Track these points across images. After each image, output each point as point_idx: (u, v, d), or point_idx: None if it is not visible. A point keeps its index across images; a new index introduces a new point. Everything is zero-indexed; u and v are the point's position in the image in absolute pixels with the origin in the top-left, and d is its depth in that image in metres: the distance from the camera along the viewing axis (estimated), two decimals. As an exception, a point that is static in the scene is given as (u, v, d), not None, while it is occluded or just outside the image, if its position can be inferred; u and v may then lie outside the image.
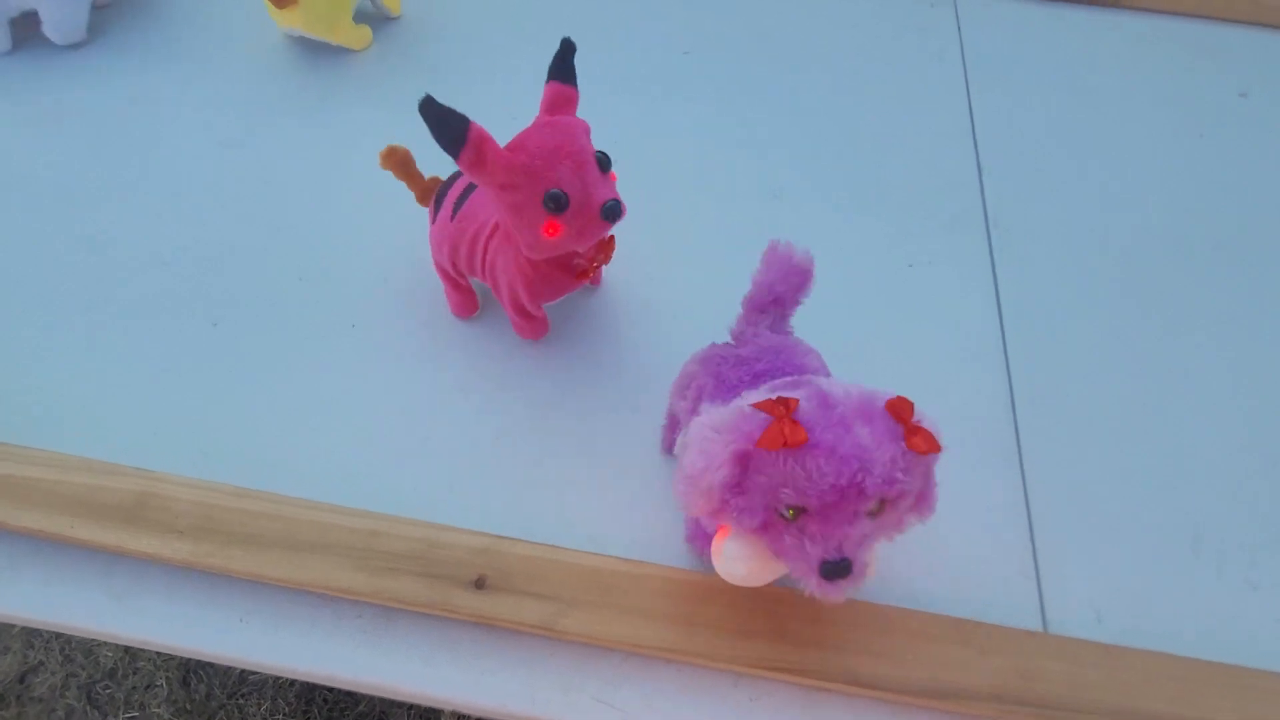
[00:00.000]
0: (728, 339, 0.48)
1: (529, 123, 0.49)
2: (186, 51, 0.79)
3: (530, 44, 0.80)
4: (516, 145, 0.46)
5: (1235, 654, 0.46)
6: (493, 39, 0.82)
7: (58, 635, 1.17)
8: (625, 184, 0.68)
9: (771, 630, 0.45)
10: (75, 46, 0.78)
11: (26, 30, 0.78)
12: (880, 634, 0.45)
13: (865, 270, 0.65)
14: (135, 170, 0.70)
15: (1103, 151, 0.74)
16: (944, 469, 0.52)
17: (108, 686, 1.15)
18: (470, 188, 0.54)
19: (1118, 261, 0.66)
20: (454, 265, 0.55)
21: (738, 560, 0.39)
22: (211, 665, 1.14)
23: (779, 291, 0.45)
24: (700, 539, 0.47)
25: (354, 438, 0.55)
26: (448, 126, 0.44)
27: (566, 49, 0.49)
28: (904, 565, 0.50)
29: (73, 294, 0.62)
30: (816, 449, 0.34)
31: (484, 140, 0.44)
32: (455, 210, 0.54)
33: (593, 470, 0.53)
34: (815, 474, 0.33)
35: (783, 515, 0.35)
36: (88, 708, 1.13)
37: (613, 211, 0.46)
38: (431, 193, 0.58)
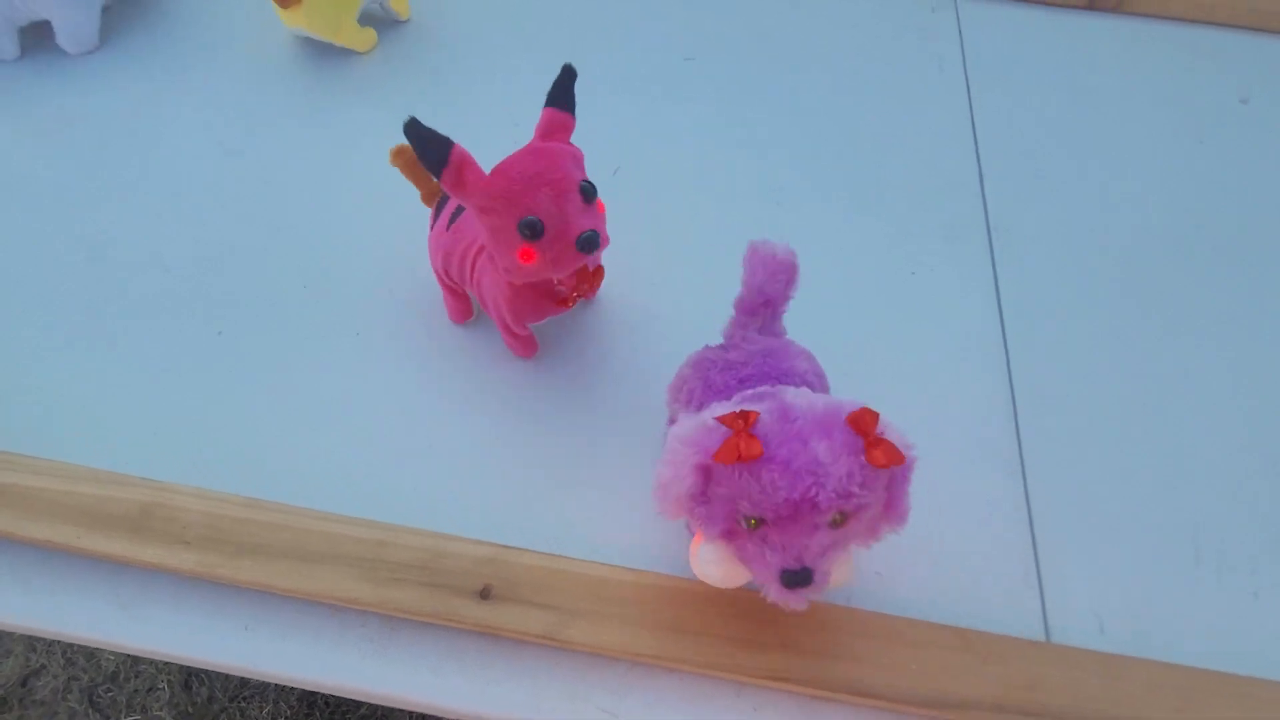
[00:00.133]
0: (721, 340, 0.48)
1: (531, 130, 0.49)
2: (190, 57, 0.79)
3: (536, 51, 0.81)
4: (499, 170, 0.46)
5: (1238, 663, 0.46)
6: (500, 44, 0.82)
7: (60, 639, 1.17)
8: (626, 189, 0.69)
9: (775, 640, 0.45)
10: (87, 54, 0.78)
11: (34, 38, 0.78)
12: (883, 643, 0.46)
13: (866, 276, 0.65)
14: (139, 176, 0.70)
15: (1103, 156, 0.74)
16: (946, 476, 0.53)
17: (109, 690, 1.16)
18: None
19: (1119, 267, 0.66)
20: (447, 273, 0.56)
21: (711, 563, 0.41)
22: (214, 669, 1.14)
23: (769, 292, 0.45)
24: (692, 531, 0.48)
25: (358, 445, 0.55)
26: (431, 148, 0.44)
27: (567, 75, 0.49)
28: (907, 574, 0.50)
29: (78, 302, 0.62)
30: (771, 463, 0.34)
31: (465, 162, 0.45)
32: (451, 221, 0.54)
33: (597, 477, 0.54)
34: (769, 487, 0.34)
35: (743, 524, 0.36)
36: (89, 711, 1.14)
37: (589, 243, 0.46)
38: (437, 195, 0.58)
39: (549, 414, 0.56)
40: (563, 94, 0.49)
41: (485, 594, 0.46)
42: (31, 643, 1.17)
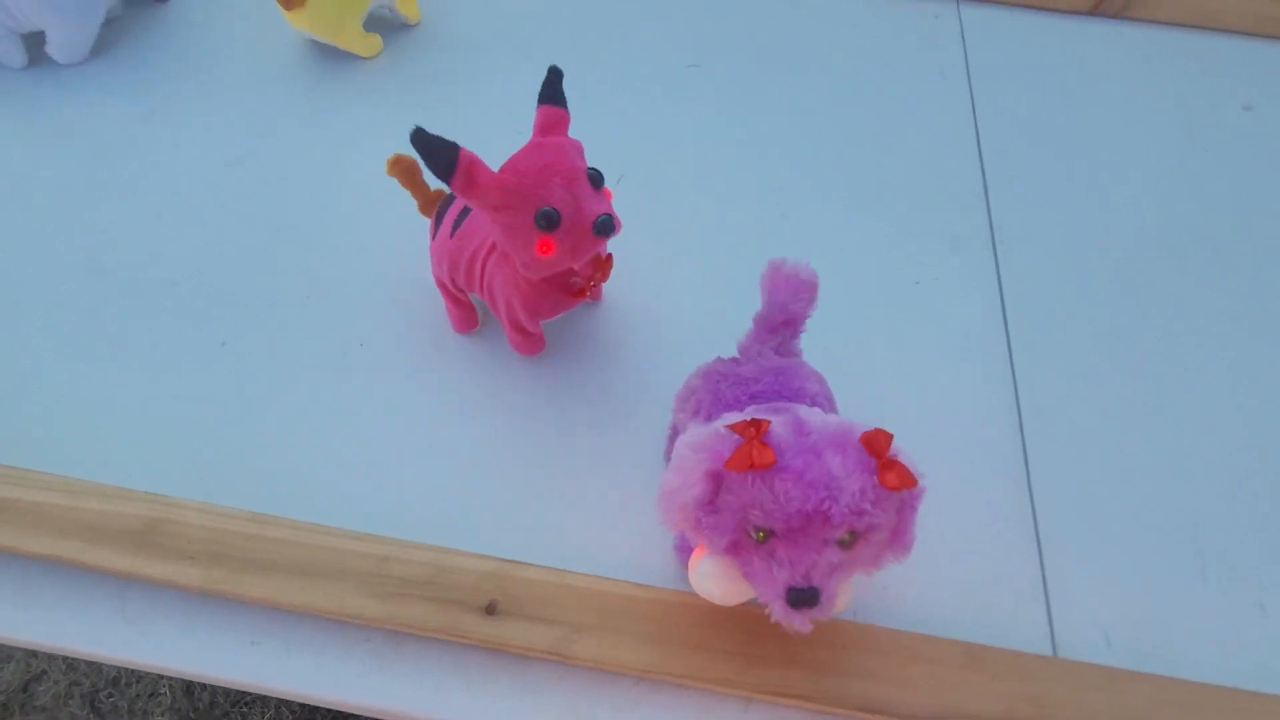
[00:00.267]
0: (734, 353, 0.48)
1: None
2: (192, 67, 0.79)
3: (541, 57, 0.79)
4: (508, 167, 0.47)
5: (1243, 678, 0.46)
6: (505, 50, 0.81)
7: (62, 644, 1.17)
8: (631, 197, 0.69)
9: (781, 655, 0.45)
10: (81, 64, 0.78)
11: (37, 46, 0.78)
12: (891, 659, 0.46)
13: (871, 284, 0.65)
14: (142, 187, 0.70)
15: (1107, 163, 0.74)
16: (952, 488, 0.53)
17: (111, 695, 1.16)
18: (469, 207, 0.54)
19: (1124, 274, 0.66)
20: (453, 281, 0.56)
21: (711, 578, 0.40)
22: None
23: (792, 310, 0.45)
24: (685, 550, 0.48)
25: (362, 458, 0.55)
26: (438, 154, 0.44)
27: (554, 76, 0.50)
28: (914, 589, 0.50)
29: (81, 314, 0.62)
30: (785, 473, 0.34)
31: (474, 164, 0.45)
32: (455, 228, 0.54)
33: (601, 491, 0.53)
34: (782, 497, 0.34)
35: (752, 537, 0.36)
36: (91, 716, 1.14)
37: (605, 226, 0.46)
38: (435, 204, 0.58)
39: (553, 427, 0.56)
40: (553, 92, 0.50)
41: (491, 609, 0.46)
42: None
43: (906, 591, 0.49)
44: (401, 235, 0.63)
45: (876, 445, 0.35)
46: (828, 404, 0.45)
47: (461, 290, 0.57)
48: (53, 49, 0.76)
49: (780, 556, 0.35)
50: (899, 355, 0.60)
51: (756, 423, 0.35)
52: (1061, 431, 0.57)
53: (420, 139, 0.44)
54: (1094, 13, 0.86)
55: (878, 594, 0.49)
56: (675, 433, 0.52)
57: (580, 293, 0.53)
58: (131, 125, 0.74)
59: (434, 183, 0.58)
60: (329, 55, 0.80)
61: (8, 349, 0.59)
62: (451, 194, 0.56)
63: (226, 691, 1.14)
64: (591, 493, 0.53)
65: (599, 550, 0.50)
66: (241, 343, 0.60)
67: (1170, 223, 0.70)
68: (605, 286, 0.62)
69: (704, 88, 0.79)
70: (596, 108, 0.75)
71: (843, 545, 0.35)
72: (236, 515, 0.49)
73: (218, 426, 0.56)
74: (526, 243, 0.46)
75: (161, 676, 1.15)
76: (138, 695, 1.16)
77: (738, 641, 0.46)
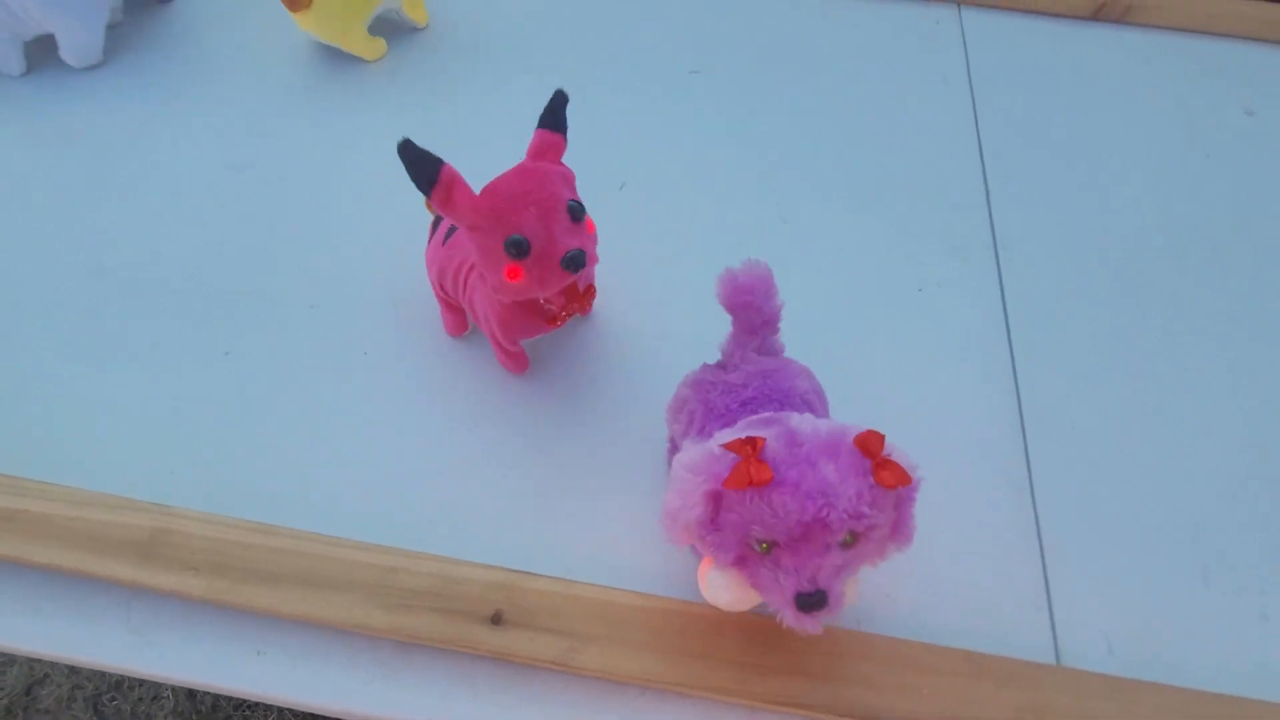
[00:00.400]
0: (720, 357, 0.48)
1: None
2: (196, 73, 0.79)
3: (545, 64, 0.80)
4: (488, 189, 0.47)
5: (1246, 686, 0.46)
6: (511, 56, 0.81)
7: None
8: (633, 203, 0.69)
9: (786, 665, 0.46)
10: (90, 68, 0.78)
11: (38, 52, 0.78)
12: (894, 667, 0.46)
13: (873, 292, 0.65)
14: (144, 193, 0.70)
15: (1108, 169, 0.74)
16: (955, 496, 0.53)
17: (114, 698, 1.16)
18: None
19: (1126, 281, 0.66)
20: (442, 287, 0.57)
21: (720, 588, 0.41)
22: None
23: (767, 311, 0.45)
24: (699, 555, 0.48)
25: (365, 467, 0.55)
26: (421, 168, 0.45)
27: (558, 100, 0.50)
28: (917, 596, 0.50)
29: (83, 323, 0.61)
30: (782, 486, 0.35)
31: (454, 182, 0.45)
32: (447, 237, 0.55)
33: (605, 498, 0.54)
34: (781, 510, 0.35)
35: (756, 549, 0.37)
36: (94, 719, 1.14)
37: (574, 262, 0.46)
38: None
39: (557, 436, 0.56)
40: (553, 117, 0.49)
41: (497, 619, 0.46)
42: (35, 652, 1.17)
43: (909, 600, 0.50)
44: (405, 240, 0.63)
45: (870, 447, 0.36)
46: (818, 399, 0.45)
47: (452, 296, 0.57)
48: (66, 53, 0.76)
49: (785, 565, 0.36)
50: (901, 360, 0.60)
51: (751, 440, 0.36)
52: (1064, 437, 0.57)
53: (406, 151, 0.45)
54: (1095, 17, 0.86)
55: (880, 602, 0.49)
56: (673, 444, 0.52)
57: (553, 320, 0.53)
58: (133, 129, 0.74)
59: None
60: (333, 58, 0.80)
61: (12, 357, 0.59)
62: None
63: (229, 695, 1.14)
64: (596, 501, 0.53)
65: (603, 559, 0.51)
66: (245, 351, 0.60)
67: (1172, 227, 0.70)
68: (604, 292, 0.63)
69: (704, 95, 0.79)
70: (599, 114, 0.75)
71: (845, 546, 0.36)
72: (240, 525, 0.49)
73: (221, 436, 0.56)
74: (496, 266, 0.47)
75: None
76: (140, 699, 1.16)
77: (741, 651, 0.46)
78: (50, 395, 0.58)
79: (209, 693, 1.14)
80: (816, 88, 0.79)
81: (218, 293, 0.63)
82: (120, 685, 1.16)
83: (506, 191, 0.46)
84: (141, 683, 1.16)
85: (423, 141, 0.45)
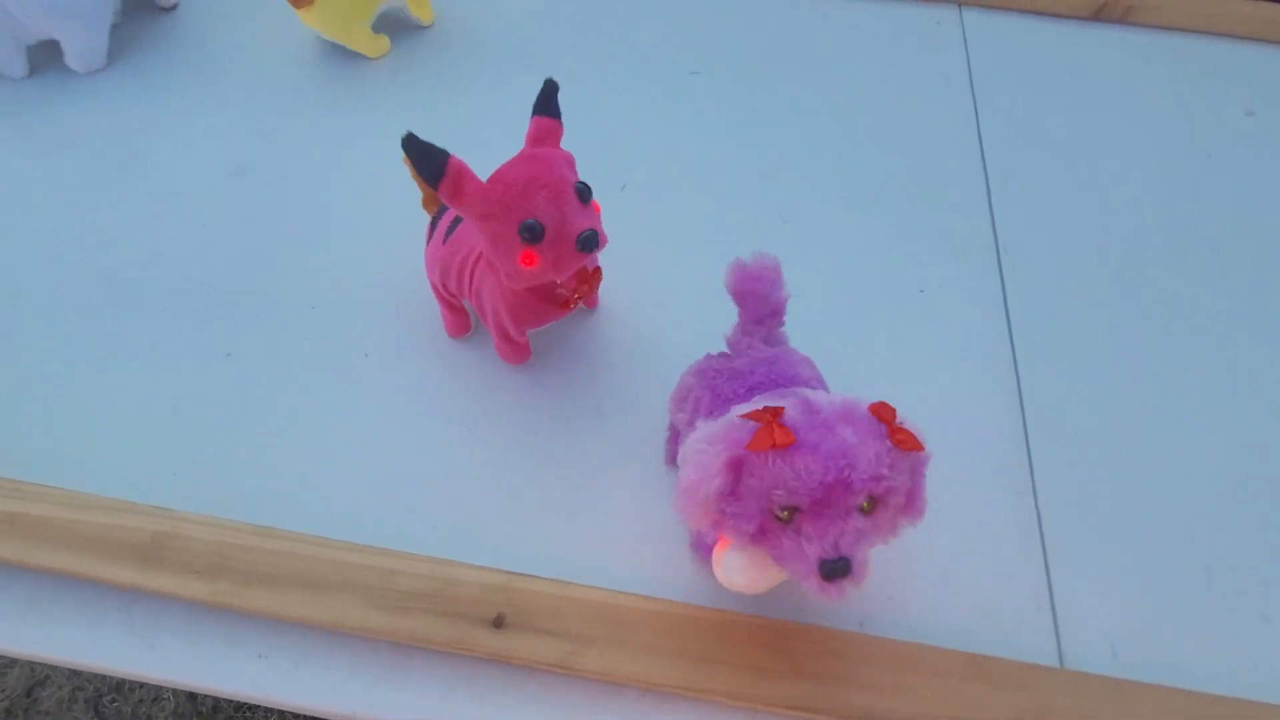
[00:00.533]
0: (723, 348, 0.49)
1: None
2: (197, 76, 0.79)
3: (548, 62, 0.80)
4: (496, 177, 0.47)
5: (1248, 688, 0.46)
6: (513, 54, 0.82)
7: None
8: (634, 203, 0.69)
9: (787, 667, 0.45)
10: (94, 73, 0.78)
11: (41, 56, 0.78)
12: (897, 670, 0.46)
13: (875, 293, 0.65)
14: (146, 196, 0.70)
15: (1109, 170, 0.74)
16: (958, 498, 0.53)
17: (114, 700, 1.16)
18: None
19: (1128, 282, 0.66)
20: (444, 286, 0.57)
21: (736, 570, 0.41)
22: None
23: (774, 301, 0.46)
24: (702, 549, 0.48)
25: (366, 469, 0.55)
26: (428, 160, 0.45)
27: (549, 88, 0.50)
28: (920, 598, 0.50)
29: (85, 325, 0.61)
30: (803, 448, 0.35)
31: (462, 173, 0.46)
32: (447, 235, 0.55)
33: (604, 497, 0.54)
34: (804, 472, 0.35)
35: (778, 517, 0.37)
36: (95, 721, 1.14)
37: (589, 242, 0.46)
38: (437, 201, 0.58)
39: (557, 436, 0.56)
40: (547, 104, 0.50)
41: (499, 622, 0.46)
42: (36, 653, 1.17)
43: (912, 602, 0.50)
44: (407, 240, 0.63)
45: (884, 414, 0.37)
46: (820, 386, 0.46)
47: (454, 295, 0.57)
48: (71, 59, 0.76)
49: (808, 532, 0.36)
50: (903, 360, 0.60)
51: (771, 408, 0.37)
52: (1066, 438, 0.57)
53: (411, 144, 0.45)
54: (1096, 17, 0.86)
55: (883, 605, 0.49)
56: (675, 433, 0.53)
57: (565, 304, 0.53)
58: (135, 131, 0.74)
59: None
60: (335, 58, 0.80)
61: (13, 359, 0.59)
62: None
63: (231, 699, 1.14)
64: (596, 503, 0.53)
65: (604, 560, 0.51)
66: (246, 353, 0.60)
67: (1173, 228, 0.70)
68: (606, 292, 0.63)
69: (706, 94, 0.79)
70: (600, 114, 0.75)
71: (864, 512, 0.37)
72: (241, 528, 0.49)
73: (222, 438, 0.56)
74: (510, 253, 0.47)
75: (165, 681, 1.15)
76: (141, 700, 1.16)
77: (743, 653, 0.46)
78: (52, 398, 0.58)
79: (209, 694, 1.14)
80: (817, 88, 0.79)
81: (218, 294, 0.63)
82: (121, 687, 1.16)
83: (515, 178, 0.46)
84: (142, 685, 1.16)
85: (429, 139, 0.45)
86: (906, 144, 0.75)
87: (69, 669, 1.15)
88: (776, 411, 0.37)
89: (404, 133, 0.45)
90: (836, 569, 0.36)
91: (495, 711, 0.46)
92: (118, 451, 0.55)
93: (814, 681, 0.45)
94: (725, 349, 0.49)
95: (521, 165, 0.47)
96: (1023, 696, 0.45)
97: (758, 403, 0.39)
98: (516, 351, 0.58)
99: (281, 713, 1.13)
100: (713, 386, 0.45)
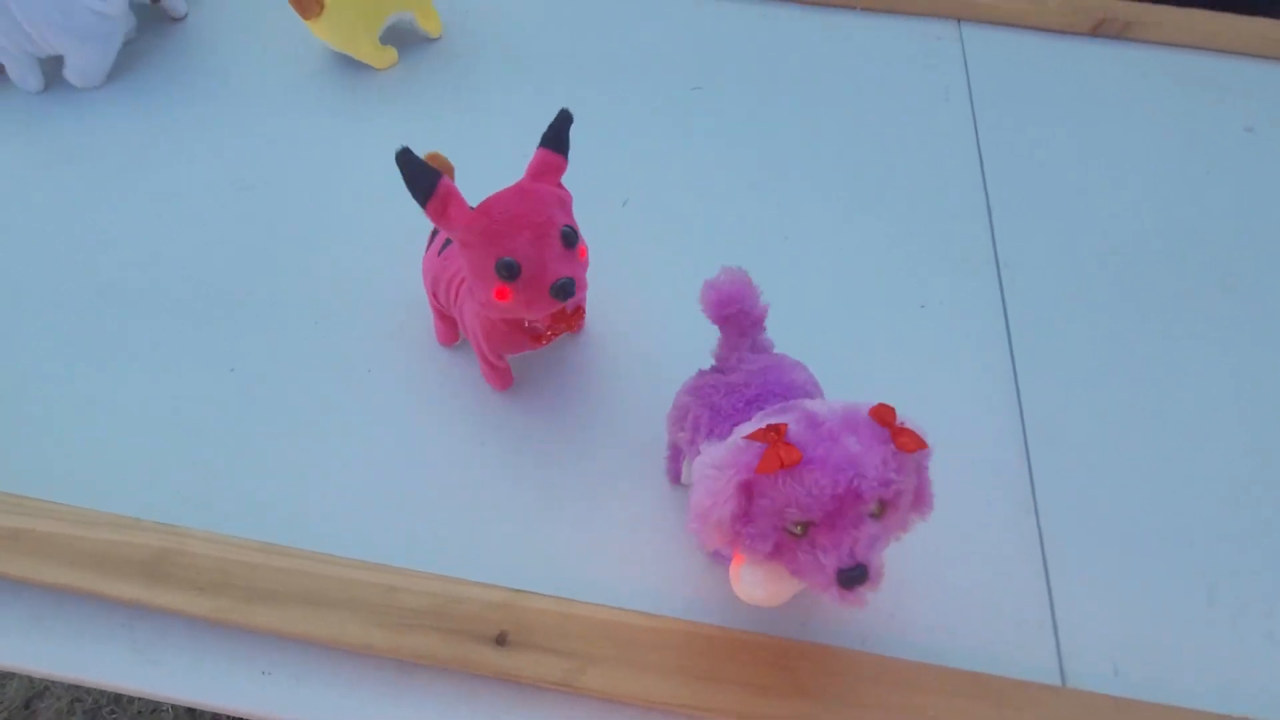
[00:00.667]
0: (712, 364, 0.49)
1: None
2: (205, 91, 0.80)
3: (550, 77, 0.81)
4: (483, 207, 0.47)
5: (1250, 706, 0.46)
6: (516, 69, 0.82)
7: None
8: (635, 218, 0.69)
9: (789, 685, 0.46)
10: (103, 86, 0.79)
11: (53, 68, 0.79)
12: (899, 689, 0.46)
13: (875, 308, 0.65)
14: (151, 210, 0.70)
15: (1109, 185, 0.74)
16: (959, 515, 0.53)
17: (113, 711, 1.15)
18: None
19: (1128, 297, 0.66)
20: (435, 297, 0.57)
21: (755, 584, 0.41)
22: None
23: (755, 312, 0.47)
24: (721, 559, 0.48)
25: (368, 485, 0.55)
26: (419, 179, 0.45)
27: (563, 119, 0.50)
28: (921, 615, 0.50)
29: (90, 340, 0.62)
30: (812, 464, 0.36)
31: (450, 196, 0.46)
32: (443, 248, 0.56)
33: (607, 515, 0.54)
34: (814, 488, 0.35)
35: (792, 533, 0.37)
36: (93, 732, 1.13)
37: (563, 290, 0.46)
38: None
39: (558, 452, 0.57)
40: (557, 137, 0.49)
41: (502, 640, 0.46)
42: (35, 665, 1.17)
43: (914, 621, 0.50)
44: (410, 255, 0.63)
45: (885, 417, 0.37)
46: (816, 390, 0.46)
47: (445, 307, 0.58)
48: (70, 74, 0.77)
49: (823, 544, 0.36)
50: (904, 376, 0.61)
51: (774, 427, 0.37)
52: (1068, 455, 0.57)
53: (404, 161, 0.45)
54: (1095, 33, 0.87)
55: (885, 623, 0.49)
56: (675, 451, 0.53)
57: (539, 338, 0.53)
58: (142, 148, 0.74)
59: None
60: (341, 70, 0.81)
61: (18, 375, 0.60)
62: None
63: (233, 716, 1.14)
64: (597, 517, 0.53)
65: (606, 576, 0.51)
66: (249, 368, 0.60)
67: (1173, 243, 0.70)
68: (610, 307, 0.63)
69: (708, 109, 0.79)
70: (603, 129, 0.76)
71: (875, 517, 0.37)
72: (246, 545, 0.49)
73: (225, 454, 0.56)
74: (486, 284, 0.47)
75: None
76: (139, 712, 1.15)
77: (746, 671, 0.46)
78: (57, 414, 0.58)
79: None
80: (818, 104, 0.80)
81: (223, 308, 0.64)
82: (119, 699, 1.16)
83: (501, 212, 0.46)
84: (140, 697, 1.16)
85: (426, 151, 0.45)
86: (907, 159, 0.76)
87: (67, 684, 1.16)
88: (780, 429, 0.37)
89: (399, 147, 0.45)
90: (854, 577, 0.36)
91: (498, 729, 0.46)
92: (122, 468, 0.55)
93: (815, 700, 0.45)
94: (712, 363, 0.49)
95: (512, 199, 0.47)
96: (1025, 715, 0.45)
97: (760, 420, 0.39)
98: (498, 376, 0.58)
99: (281, 725, 1.13)
100: (711, 404, 0.46)
